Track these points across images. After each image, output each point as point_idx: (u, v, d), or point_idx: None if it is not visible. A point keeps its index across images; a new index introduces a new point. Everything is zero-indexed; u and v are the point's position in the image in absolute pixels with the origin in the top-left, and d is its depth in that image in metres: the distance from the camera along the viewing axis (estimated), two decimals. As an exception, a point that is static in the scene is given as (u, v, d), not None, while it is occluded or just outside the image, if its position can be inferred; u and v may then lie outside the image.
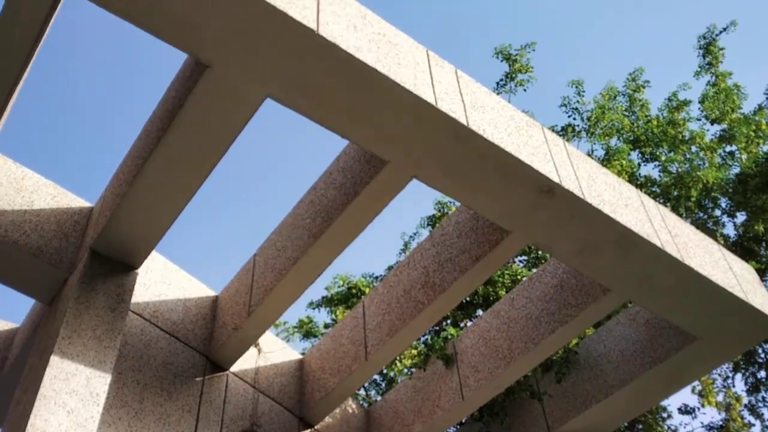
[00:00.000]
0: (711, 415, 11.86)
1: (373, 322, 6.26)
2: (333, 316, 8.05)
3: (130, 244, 5.28)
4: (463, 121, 4.44)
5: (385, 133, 4.47)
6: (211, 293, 6.52)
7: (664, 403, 8.46)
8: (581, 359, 6.52)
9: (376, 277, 8.23)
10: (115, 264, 5.31)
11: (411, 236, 9.13)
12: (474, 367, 6.34)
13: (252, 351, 6.47)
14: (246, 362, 6.40)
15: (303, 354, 7.11)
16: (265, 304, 5.74)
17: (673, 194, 8.96)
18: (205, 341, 6.14)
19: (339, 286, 7.98)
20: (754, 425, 8.42)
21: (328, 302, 8.24)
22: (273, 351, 6.67)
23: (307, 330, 9.21)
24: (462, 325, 7.71)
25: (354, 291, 7.73)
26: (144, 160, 4.82)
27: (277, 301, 5.78)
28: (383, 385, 9.11)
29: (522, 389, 6.75)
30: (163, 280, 6.12)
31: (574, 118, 9.57)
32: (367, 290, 7.80)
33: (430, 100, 4.34)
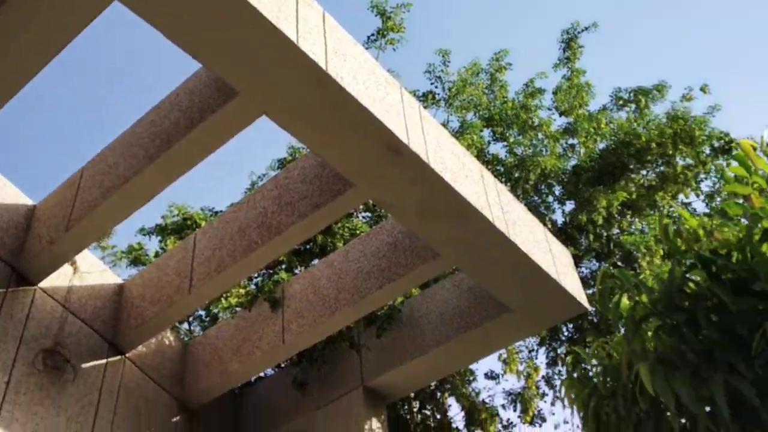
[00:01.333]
0: (512, 382, 12.84)
1: (202, 255, 6.09)
2: (163, 245, 7.74)
3: (-64, 133, 4.73)
4: (322, 64, 4.34)
5: (239, 61, 4.27)
6: (29, 202, 6.03)
7: (473, 366, 9.02)
8: (403, 317, 6.76)
9: (216, 213, 8.00)
10: None
11: (259, 177, 8.96)
12: (299, 313, 6.38)
13: (67, 269, 6.07)
14: (59, 280, 6.00)
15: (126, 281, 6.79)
16: (86, 221, 5.38)
17: (514, 175, 9.44)
18: (14, 251, 5.67)
19: (174, 216, 7.67)
20: (547, 395, 9.20)
21: (161, 231, 7.89)
22: (91, 272, 6.31)
23: (135, 257, 8.79)
24: (297, 271, 7.70)
25: (189, 222, 7.45)
26: (-37, 42, 4.29)
27: (100, 220, 5.45)
28: (207, 321, 8.95)
29: (342, 339, 6.89)
30: (-28, 180, 5.57)
31: (436, 87, 9.77)
32: (203, 224, 7.55)
33: (292, 36, 4.19)
